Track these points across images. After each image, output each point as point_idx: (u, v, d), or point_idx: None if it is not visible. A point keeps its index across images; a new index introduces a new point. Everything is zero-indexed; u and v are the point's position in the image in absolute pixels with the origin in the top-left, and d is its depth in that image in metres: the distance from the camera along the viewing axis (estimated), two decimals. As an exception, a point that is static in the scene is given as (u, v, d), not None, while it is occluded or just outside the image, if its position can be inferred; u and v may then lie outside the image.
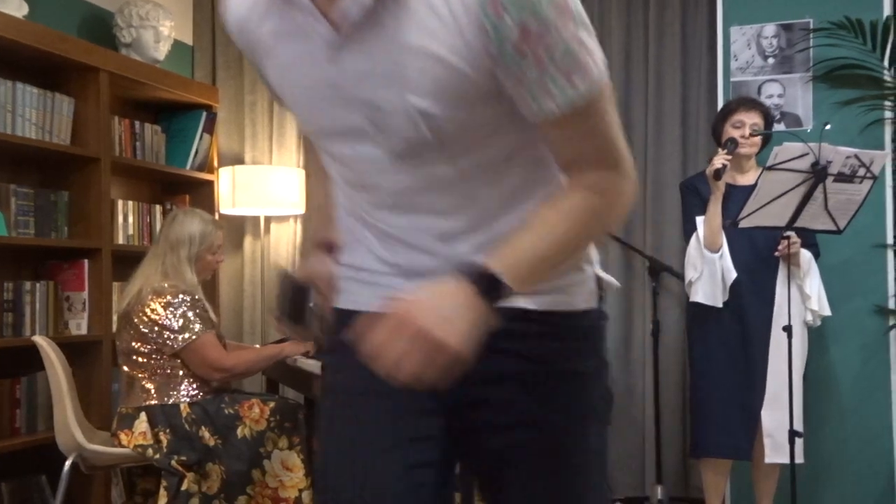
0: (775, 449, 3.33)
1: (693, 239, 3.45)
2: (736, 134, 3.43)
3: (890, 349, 3.57)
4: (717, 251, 3.37)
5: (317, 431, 3.08)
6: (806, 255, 3.39)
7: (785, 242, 3.29)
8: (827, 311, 3.44)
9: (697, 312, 3.47)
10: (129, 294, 3.12)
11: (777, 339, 3.35)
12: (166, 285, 3.07)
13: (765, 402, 3.35)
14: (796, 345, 3.28)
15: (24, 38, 3.37)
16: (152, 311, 3.02)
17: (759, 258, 3.40)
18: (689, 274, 3.44)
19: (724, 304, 3.38)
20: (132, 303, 3.07)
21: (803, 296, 3.39)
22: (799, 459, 3.32)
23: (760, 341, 3.38)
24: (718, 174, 3.30)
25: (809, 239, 3.41)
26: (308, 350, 3.16)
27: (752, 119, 3.44)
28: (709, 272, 3.38)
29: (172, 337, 3.01)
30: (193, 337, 3.01)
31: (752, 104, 3.52)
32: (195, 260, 3.17)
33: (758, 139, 3.45)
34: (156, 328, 3.01)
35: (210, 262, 3.24)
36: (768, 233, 3.33)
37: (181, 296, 3.05)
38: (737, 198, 3.39)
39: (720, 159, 3.32)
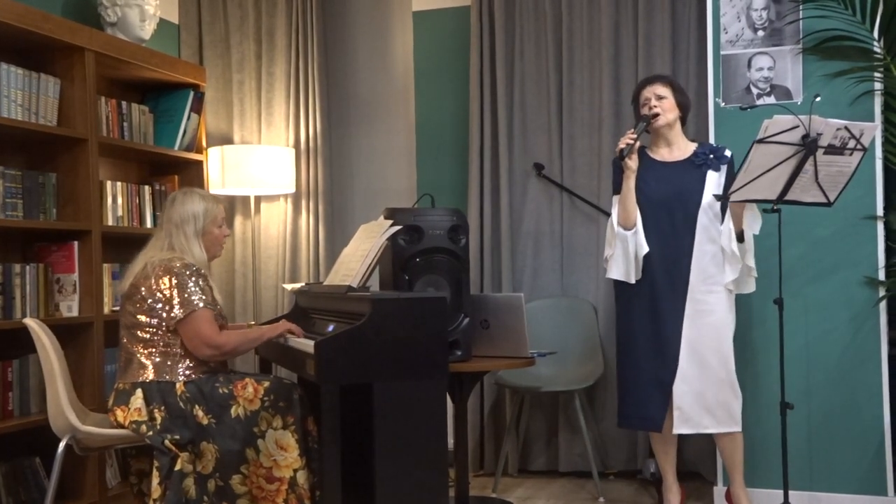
0: (683, 420, 3.39)
1: (611, 216, 3.50)
2: (644, 111, 3.48)
3: (880, 320, 3.58)
4: (630, 229, 3.41)
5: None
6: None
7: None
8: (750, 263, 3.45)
9: (617, 289, 3.54)
10: (133, 272, 3.11)
11: (691, 313, 3.39)
12: (174, 258, 3.07)
13: (677, 376, 3.39)
14: (721, 313, 3.37)
15: (7, 18, 3.33)
16: (159, 282, 3.02)
17: (676, 235, 3.41)
18: (606, 251, 3.51)
19: (639, 280, 3.42)
20: (138, 276, 3.07)
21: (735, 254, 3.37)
22: (736, 428, 3.40)
23: (673, 315, 3.41)
24: (621, 154, 3.37)
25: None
26: (294, 332, 3.14)
27: (654, 91, 3.48)
28: (622, 249, 3.43)
29: (174, 308, 3.01)
30: (193, 310, 3.01)
31: (651, 79, 3.58)
32: (202, 234, 3.18)
33: (665, 104, 3.47)
34: (161, 299, 3.02)
35: (217, 236, 3.24)
36: (687, 210, 3.38)
37: (188, 269, 3.05)
38: (666, 173, 3.45)
39: (624, 140, 3.38)
